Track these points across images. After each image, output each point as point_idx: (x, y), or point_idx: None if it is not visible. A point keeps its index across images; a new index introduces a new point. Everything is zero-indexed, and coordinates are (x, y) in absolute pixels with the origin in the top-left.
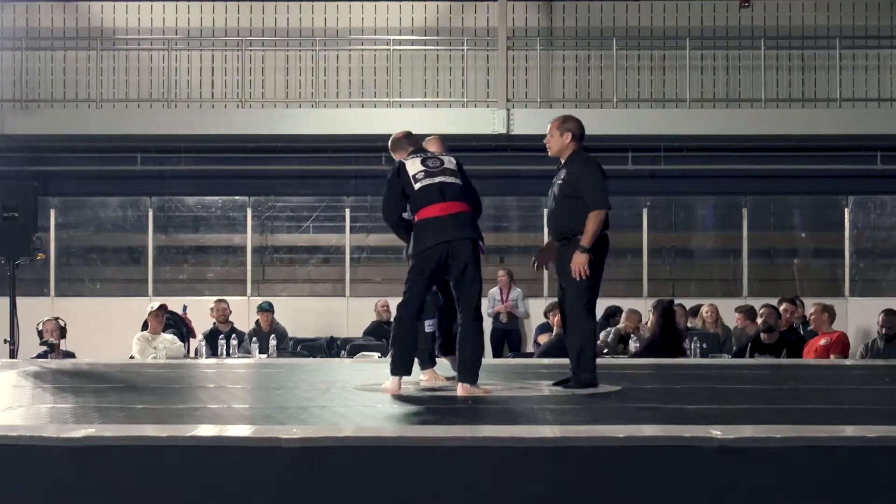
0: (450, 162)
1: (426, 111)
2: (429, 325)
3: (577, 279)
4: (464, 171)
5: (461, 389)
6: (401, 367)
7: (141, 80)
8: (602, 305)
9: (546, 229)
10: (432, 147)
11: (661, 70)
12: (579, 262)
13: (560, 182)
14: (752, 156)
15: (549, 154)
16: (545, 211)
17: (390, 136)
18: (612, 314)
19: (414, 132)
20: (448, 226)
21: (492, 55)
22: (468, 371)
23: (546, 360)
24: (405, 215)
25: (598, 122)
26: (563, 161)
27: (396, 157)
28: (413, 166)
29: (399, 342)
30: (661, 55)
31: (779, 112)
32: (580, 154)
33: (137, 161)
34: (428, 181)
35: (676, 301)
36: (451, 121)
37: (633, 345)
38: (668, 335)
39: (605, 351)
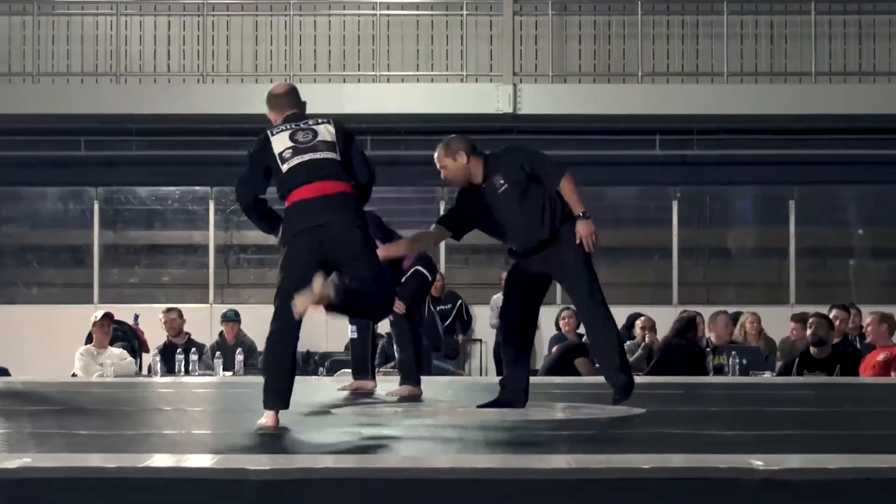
0: (327, 132)
1: (419, 87)
2: (352, 331)
3: (589, 249)
4: (351, 139)
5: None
6: (275, 398)
7: (85, 50)
8: (625, 313)
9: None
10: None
11: (693, 38)
12: (588, 231)
13: (502, 193)
14: (800, 139)
15: (457, 185)
16: (503, 242)
17: (377, 116)
18: (634, 321)
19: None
20: (320, 208)
21: (495, 21)
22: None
23: (557, 379)
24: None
25: (619, 100)
26: (481, 181)
27: (271, 117)
28: (280, 142)
29: (270, 365)
30: (694, 21)
31: (832, 88)
32: (491, 158)
33: (81, 145)
34: (297, 160)
35: (716, 309)
36: (448, 98)
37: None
38: (688, 351)
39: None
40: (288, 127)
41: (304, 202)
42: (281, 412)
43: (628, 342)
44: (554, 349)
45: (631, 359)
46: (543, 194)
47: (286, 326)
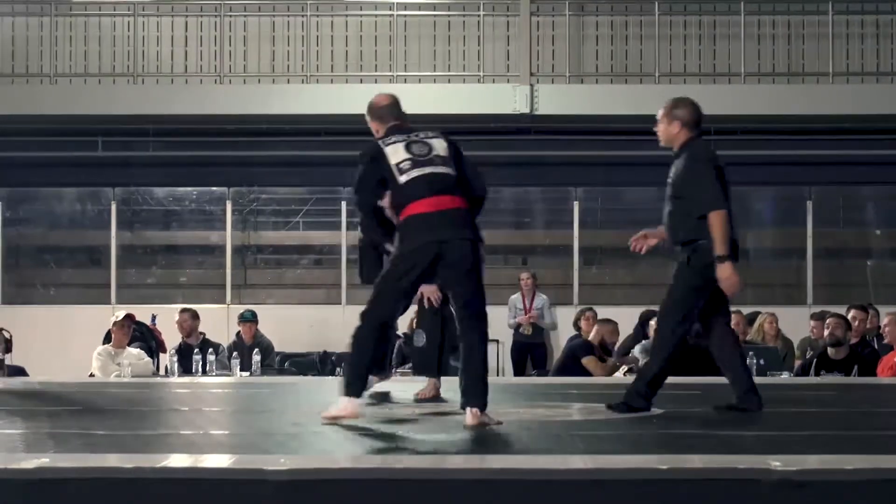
0: (440, 146)
1: (436, 87)
2: (419, 340)
3: (737, 293)
4: (460, 153)
5: (470, 417)
6: (358, 387)
7: (102, 50)
8: (637, 312)
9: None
10: None
11: (710, 39)
12: (731, 280)
13: (668, 180)
14: (817, 139)
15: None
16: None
17: None
18: (649, 319)
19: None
20: (440, 224)
21: (513, 22)
22: (478, 393)
23: (572, 379)
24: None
25: (636, 100)
26: (674, 152)
27: (375, 128)
28: (395, 154)
29: (359, 355)
30: (711, 21)
31: (850, 88)
32: (690, 146)
33: (98, 146)
34: (416, 172)
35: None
36: (465, 98)
37: None
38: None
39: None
40: (401, 138)
41: (424, 216)
42: (299, 414)
43: (644, 341)
44: (561, 350)
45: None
46: (685, 210)
47: (371, 327)
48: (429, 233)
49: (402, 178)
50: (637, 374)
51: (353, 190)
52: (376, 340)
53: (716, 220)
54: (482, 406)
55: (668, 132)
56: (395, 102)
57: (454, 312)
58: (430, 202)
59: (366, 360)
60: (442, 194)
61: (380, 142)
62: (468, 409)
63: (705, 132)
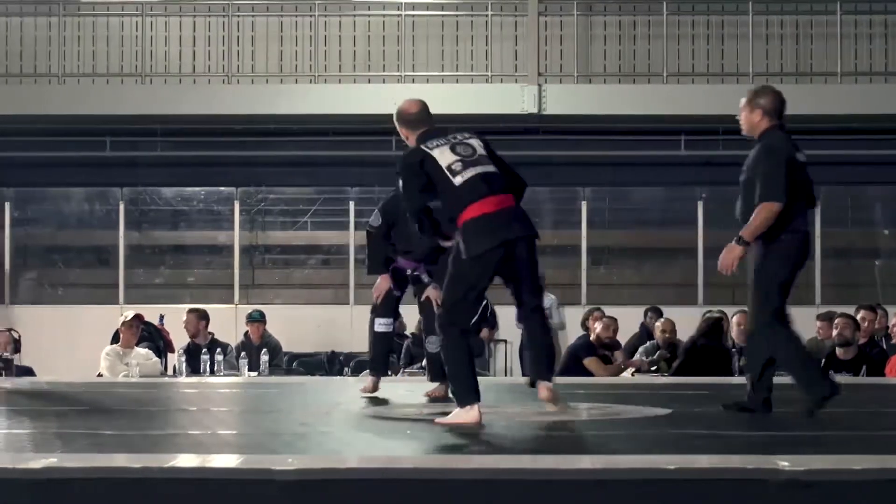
0: (479, 145)
1: (443, 87)
2: (378, 325)
3: (724, 272)
4: (493, 149)
5: (544, 390)
6: (471, 394)
7: (110, 50)
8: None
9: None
10: None
11: (718, 39)
12: (728, 256)
13: (743, 167)
14: (825, 139)
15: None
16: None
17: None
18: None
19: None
20: (507, 223)
21: (520, 21)
22: (547, 369)
23: (578, 379)
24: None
25: (644, 100)
26: (754, 140)
27: (405, 134)
28: (443, 156)
29: (457, 365)
30: (719, 21)
31: (858, 88)
32: (769, 135)
33: (106, 146)
34: (471, 172)
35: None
36: (472, 98)
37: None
38: (714, 352)
39: (653, 368)
40: (443, 141)
41: (491, 216)
42: (307, 414)
43: (647, 343)
44: (564, 350)
45: (648, 358)
46: (754, 193)
47: (459, 332)
48: (499, 232)
49: (458, 180)
50: (787, 370)
51: (403, 197)
52: (466, 346)
53: (763, 210)
54: (551, 379)
55: (750, 120)
56: (425, 108)
57: (517, 304)
58: (491, 201)
59: (466, 369)
60: (500, 193)
61: (422, 146)
62: (540, 382)
63: (713, 131)
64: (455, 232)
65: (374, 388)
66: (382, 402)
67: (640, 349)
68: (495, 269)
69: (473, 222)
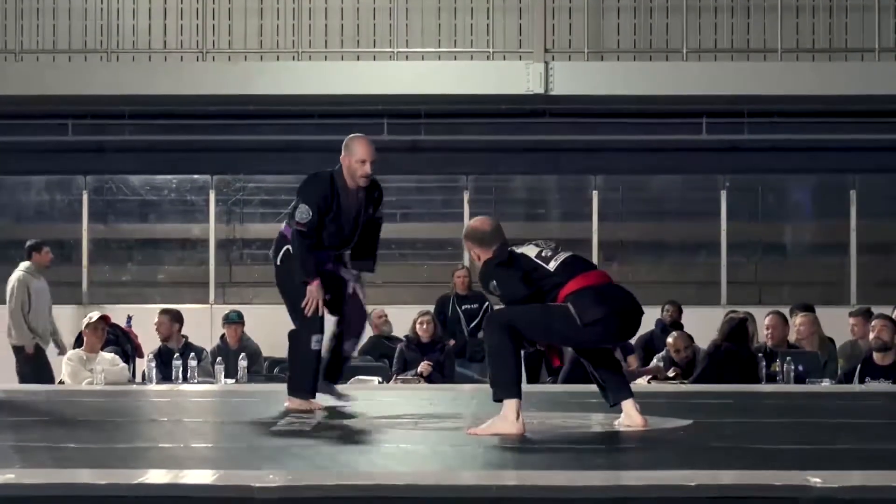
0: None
1: (440, 66)
2: (315, 342)
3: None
4: None
5: (631, 410)
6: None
7: (73, 25)
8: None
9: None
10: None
11: (744, 11)
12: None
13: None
14: (862, 122)
15: None
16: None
17: (394, 97)
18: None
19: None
20: (616, 294)
21: None
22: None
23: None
24: None
25: (662, 80)
26: None
27: (475, 253)
28: (530, 251)
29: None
30: None
31: None
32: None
33: (68, 130)
34: (562, 257)
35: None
36: (472, 78)
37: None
38: (738, 356)
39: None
40: (528, 245)
41: (599, 287)
42: (287, 425)
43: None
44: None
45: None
46: None
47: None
48: (619, 302)
49: (551, 265)
50: None
51: (510, 296)
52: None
53: None
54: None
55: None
56: (499, 226)
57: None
58: (590, 276)
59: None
60: (594, 270)
61: (508, 251)
62: (625, 402)
63: (738, 114)
64: None
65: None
66: (373, 413)
67: (657, 357)
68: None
69: (585, 292)
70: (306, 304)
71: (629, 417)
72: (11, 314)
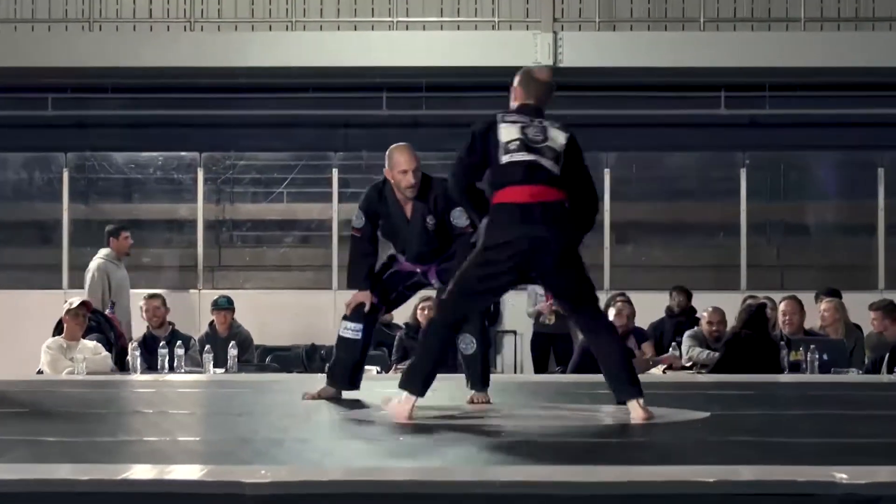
0: (558, 139)
1: (443, 36)
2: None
3: None
4: (579, 154)
5: (637, 411)
6: (417, 385)
7: None
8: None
9: (608, 198)
10: (402, 159)
11: None
12: None
13: None
14: (891, 96)
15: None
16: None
17: (393, 69)
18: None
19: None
20: (532, 218)
21: None
22: (635, 383)
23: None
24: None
25: (678, 51)
26: None
27: (514, 94)
28: (508, 132)
29: (423, 353)
30: None
31: None
32: None
33: (48, 104)
34: (521, 156)
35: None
36: (477, 49)
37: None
38: (758, 344)
39: (689, 365)
40: (522, 119)
41: (518, 206)
42: (282, 417)
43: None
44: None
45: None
46: None
47: (444, 324)
48: (521, 227)
49: (504, 159)
50: None
51: (450, 171)
52: (447, 339)
53: None
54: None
55: None
56: (551, 86)
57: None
58: (527, 191)
59: (433, 358)
60: (542, 185)
61: (498, 115)
62: (631, 401)
63: (758, 87)
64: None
65: (320, 396)
66: (370, 404)
67: (688, 335)
68: (513, 275)
69: (499, 208)
70: (348, 304)
71: (635, 414)
72: None
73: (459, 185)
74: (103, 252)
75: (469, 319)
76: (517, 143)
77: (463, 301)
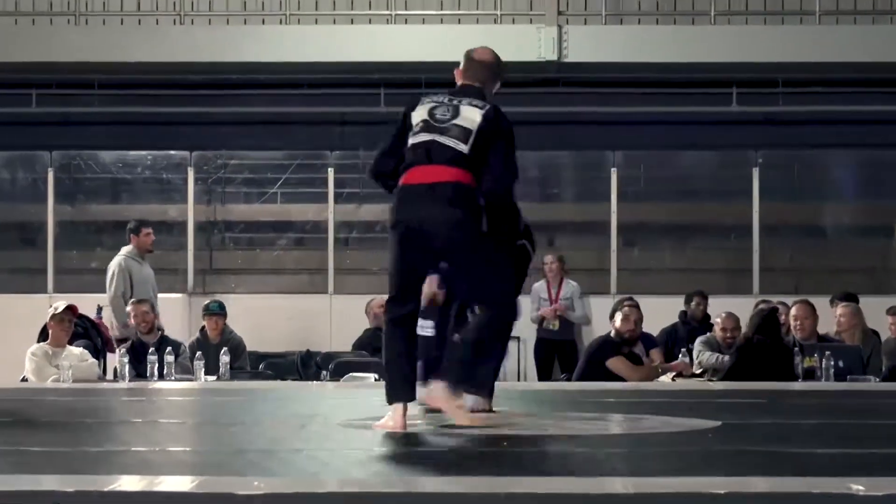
0: (471, 117)
1: (443, 30)
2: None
3: None
4: (498, 134)
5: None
6: (396, 392)
7: None
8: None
9: (615, 199)
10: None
11: None
12: None
13: None
14: None
15: None
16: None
17: (392, 64)
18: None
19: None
20: (421, 199)
21: None
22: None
23: (607, 385)
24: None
25: (687, 46)
26: None
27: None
28: (419, 113)
29: (385, 359)
30: None
31: None
32: None
33: (32, 101)
34: (422, 138)
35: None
36: (478, 43)
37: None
38: (771, 350)
39: (699, 372)
40: (437, 100)
41: (409, 188)
42: (276, 427)
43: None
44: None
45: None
46: None
47: (390, 318)
48: (410, 208)
49: (410, 141)
50: None
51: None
52: (397, 332)
53: None
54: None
55: None
56: (490, 65)
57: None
58: (423, 171)
59: (396, 359)
60: (441, 165)
61: (423, 96)
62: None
63: (771, 83)
64: None
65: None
66: (369, 413)
67: (699, 341)
68: (413, 249)
69: (397, 191)
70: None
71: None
72: (112, 304)
73: (370, 170)
74: (125, 250)
75: (427, 313)
76: (421, 124)
77: (390, 285)
